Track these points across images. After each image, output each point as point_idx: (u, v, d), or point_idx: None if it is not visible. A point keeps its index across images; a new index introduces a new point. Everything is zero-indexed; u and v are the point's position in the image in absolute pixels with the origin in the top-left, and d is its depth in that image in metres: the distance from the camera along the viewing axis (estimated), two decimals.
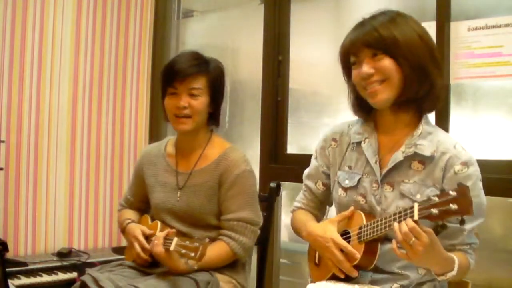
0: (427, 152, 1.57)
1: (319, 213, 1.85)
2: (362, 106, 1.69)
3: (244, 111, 3.32)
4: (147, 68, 3.61)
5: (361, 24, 1.61)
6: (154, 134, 3.56)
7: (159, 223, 2.06)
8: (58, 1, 3.21)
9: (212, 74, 2.05)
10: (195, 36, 3.64)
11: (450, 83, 2.33)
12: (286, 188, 2.92)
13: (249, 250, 2.07)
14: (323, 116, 2.93)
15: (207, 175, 2.06)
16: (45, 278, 2.71)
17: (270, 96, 2.98)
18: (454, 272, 1.47)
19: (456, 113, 2.35)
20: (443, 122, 2.31)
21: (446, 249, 1.55)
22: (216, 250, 1.98)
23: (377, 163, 1.63)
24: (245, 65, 3.35)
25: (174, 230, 1.91)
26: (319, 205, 1.86)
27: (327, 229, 1.63)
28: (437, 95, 1.61)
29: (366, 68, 1.56)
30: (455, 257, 1.49)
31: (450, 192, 1.33)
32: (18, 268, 2.70)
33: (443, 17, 2.33)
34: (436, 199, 1.35)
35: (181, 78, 2.00)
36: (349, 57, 1.62)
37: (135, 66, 3.57)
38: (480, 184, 1.58)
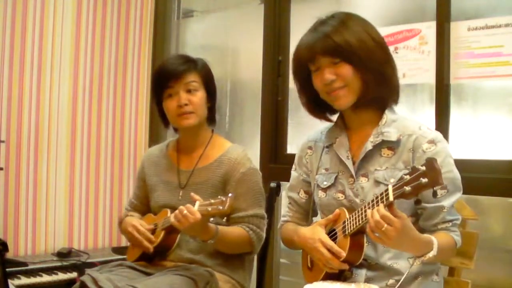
0: (393, 138, 1.62)
1: (306, 224, 1.87)
2: (318, 107, 1.75)
3: (244, 111, 3.32)
4: (147, 68, 3.61)
5: (314, 30, 1.65)
6: (154, 134, 3.55)
7: (168, 210, 2.04)
8: (58, 1, 3.22)
9: (202, 70, 2.11)
10: (195, 36, 3.64)
11: (450, 83, 2.33)
12: (286, 188, 2.92)
13: (261, 244, 2.09)
14: None
15: (209, 173, 2.08)
16: (45, 278, 2.70)
17: (270, 96, 2.98)
18: (434, 252, 1.49)
19: (456, 113, 2.35)
20: (443, 122, 2.31)
21: (428, 230, 1.60)
22: (237, 231, 1.99)
23: (349, 158, 1.68)
24: (245, 65, 3.35)
25: (192, 193, 1.86)
26: (305, 215, 1.89)
27: (315, 230, 1.66)
28: (395, 90, 1.67)
29: (328, 75, 1.61)
30: (434, 237, 1.51)
31: (419, 167, 1.38)
32: (18, 268, 2.70)
33: (443, 17, 2.33)
34: (408, 177, 1.39)
35: (176, 76, 2.05)
36: (305, 64, 1.66)
37: (135, 66, 3.57)
38: (451, 160, 1.61)
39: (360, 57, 1.58)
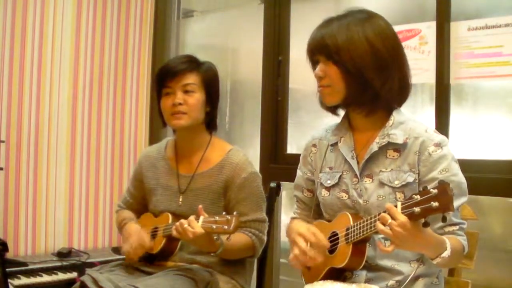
0: (399, 140, 1.61)
1: (314, 221, 1.86)
2: None
3: (244, 111, 3.32)
4: (147, 68, 3.61)
5: (318, 29, 1.67)
6: (154, 134, 3.56)
7: (169, 214, 2.03)
8: (58, 1, 3.22)
9: (204, 72, 2.08)
10: (195, 36, 3.64)
11: (450, 83, 2.33)
12: (286, 188, 2.92)
13: (262, 248, 2.09)
14: (323, 116, 2.92)
15: (210, 178, 2.06)
16: (45, 278, 2.71)
17: (270, 96, 2.98)
18: (448, 252, 1.47)
19: (456, 113, 2.35)
20: (443, 122, 2.31)
21: (435, 233, 1.57)
22: (239, 239, 1.98)
23: (354, 158, 1.68)
24: (245, 65, 3.36)
25: (201, 206, 1.83)
26: (312, 212, 1.87)
27: (300, 225, 1.67)
28: (393, 95, 1.63)
29: (318, 70, 1.65)
30: (446, 238, 1.50)
31: (431, 190, 1.35)
32: (18, 268, 2.71)
33: (443, 17, 2.33)
34: (418, 197, 1.36)
35: (174, 75, 2.03)
36: (310, 59, 1.70)
37: (135, 66, 3.57)
38: (457, 164, 1.60)
39: (344, 59, 1.59)
